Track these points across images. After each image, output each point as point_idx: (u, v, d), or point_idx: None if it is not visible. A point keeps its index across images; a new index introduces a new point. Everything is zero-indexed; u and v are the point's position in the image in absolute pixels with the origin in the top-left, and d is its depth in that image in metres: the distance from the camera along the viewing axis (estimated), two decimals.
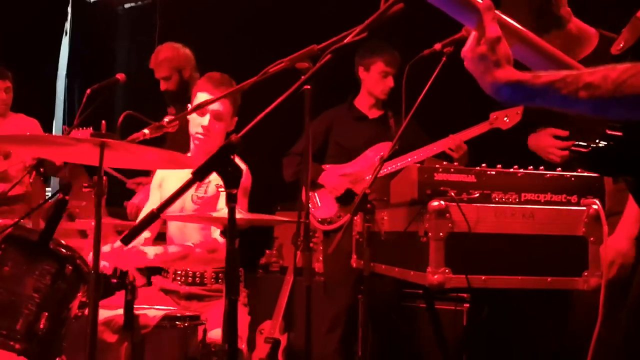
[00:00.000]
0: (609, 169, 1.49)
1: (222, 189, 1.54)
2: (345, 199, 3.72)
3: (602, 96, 1.18)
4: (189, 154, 2.96)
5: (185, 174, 2.82)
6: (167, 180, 2.94)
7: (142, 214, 2.97)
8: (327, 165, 3.82)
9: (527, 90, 1.24)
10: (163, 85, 4.18)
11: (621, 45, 1.67)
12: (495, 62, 1.26)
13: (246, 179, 2.91)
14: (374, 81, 3.78)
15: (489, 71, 1.27)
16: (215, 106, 2.77)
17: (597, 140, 1.37)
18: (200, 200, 2.82)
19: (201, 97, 2.82)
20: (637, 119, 1.21)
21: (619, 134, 1.34)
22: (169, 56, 4.12)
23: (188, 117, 2.87)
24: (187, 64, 4.16)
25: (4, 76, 4.36)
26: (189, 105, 2.93)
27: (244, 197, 2.90)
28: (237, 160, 2.88)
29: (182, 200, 2.80)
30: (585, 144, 1.37)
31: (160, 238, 3.06)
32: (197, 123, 2.83)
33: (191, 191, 2.81)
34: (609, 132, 1.36)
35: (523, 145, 2.84)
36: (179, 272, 2.83)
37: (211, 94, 2.78)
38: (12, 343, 2.02)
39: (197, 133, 2.84)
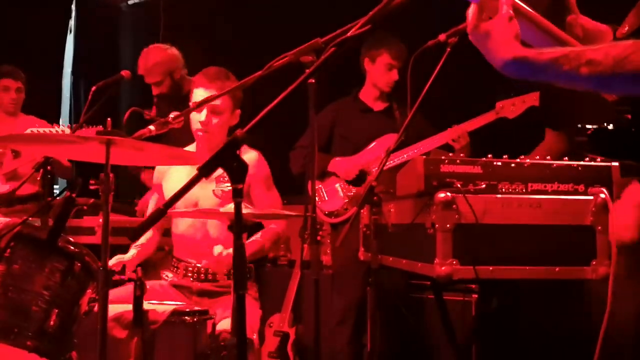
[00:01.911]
0: (613, 152, 1.49)
1: (228, 185, 1.54)
2: (358, 181, 3.71)
3: (603, 72, 1.20)
4: (189, 147, 2.96)
5: (187, 170, 2.84)
6: (168, 177, 2.94)
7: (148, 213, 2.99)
8: (334, 158, 3.82)
9: (532, 66, 1.27)
10: (155, 90, 4.15)
11: (626, 28, 1.66)
12: (503, 40, 1.29)
13: (263, 167, 2.92)
14: (379, 73, 3.77)
15: (497, 47, 1.30)
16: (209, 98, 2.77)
17: (605, 123, 1.37)
18: (224, 194, 2.82)
19: (197, 92, 2.83)
20: (638, 94, 1.23)
21: (627, 117, 1.34)
22: (159, 60, 4.09)
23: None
24: (177, 65, 4.14)
25: (17, 77, 4.40)
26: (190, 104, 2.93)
27: (271, 186, 2.93)
28: (247, 148, 2.91)
29: (194, 197, 2.80)
30: (587, 127, 1.37)
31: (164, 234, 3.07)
32: (196, 119, 2.84)
33: (210, 186, 2.81)
34: (618, 115, 1.36)
35: (529, 135, 2.83)
36: (190, 269, 2.83)
37: (206, 88, 2.80)
38: (23, 340, 2.04)
39: (197, 130, 2.85)
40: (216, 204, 2.77)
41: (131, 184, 4.31)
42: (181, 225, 2.90)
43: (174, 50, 4.17)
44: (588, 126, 1.38)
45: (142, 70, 4.15)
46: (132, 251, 2.81)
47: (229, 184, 2.80)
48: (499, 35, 1.30)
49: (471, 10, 1.35)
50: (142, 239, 2.87)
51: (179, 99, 4.08)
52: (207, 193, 2.82)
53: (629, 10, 1.72)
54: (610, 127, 1.37)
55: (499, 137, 2.69)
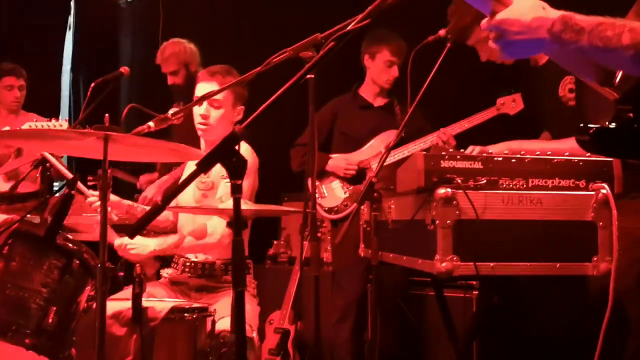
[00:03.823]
0: (616, 151, 1.48)
1: (227, 181, 1.53)
2: (357, 179, 3.70)
3: None
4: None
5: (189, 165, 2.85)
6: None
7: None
8: (334, 155, 3.81)
9: (576, 26, 1.28)
10: (170, 80, 4.24)
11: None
12: (536, 8, 1.31)
13: (247, 156, 2.91)
14: (379, 70, 3.76)
15: (535, 13, 1.30)
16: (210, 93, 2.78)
17: (607, 122, 1.36)
18: (203, 185, 2.83)
19: (199, 87, 2.85)
20: None
21: (629, 115, 1.33)
22: (176, 51, 4.20)
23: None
24: (193, 59, 4.24)
25: (19, 74, 4.42)
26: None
27: (247, 174, 2.90)
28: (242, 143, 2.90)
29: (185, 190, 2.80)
30: (589, 126, 1.36)
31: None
32: (197, 113, 2.86)
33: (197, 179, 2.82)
34: (618, 113, 1.35)
35: (530, 131, 2.82)
36: (188, 264, 2.83)
37: (207, 81, 2.81)
38: (21, 338, 2.03)
39: (198, 123, 2.86)
40: (201, 196, 2.79)
41: (130, 182, 4.31)
42: (180, 221, 2.91)
43: (191, 46, 4.26)
44: (590, 125, 1.37)
45: (158, 60, 4.24)
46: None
47: (208, 176, 2.81)
48: (528, 8, 1.30)
49: (485, 21, 1.35)
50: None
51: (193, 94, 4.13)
52: (191, 186, 2.82)
53: (629, 9, 1.72)
54: (613, 126, 1.35)
55: (500, 133, 2.68)
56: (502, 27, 1.32)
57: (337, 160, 3.74)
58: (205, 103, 2.81)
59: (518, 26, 1.30)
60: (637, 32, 1.22)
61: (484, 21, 1.36)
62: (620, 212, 1.95)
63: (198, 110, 2.85)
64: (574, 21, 1.29)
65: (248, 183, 2.87)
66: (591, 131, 1.36)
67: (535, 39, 1.31)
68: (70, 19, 6.06)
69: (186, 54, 4.20)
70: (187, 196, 2.84)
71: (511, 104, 3.20)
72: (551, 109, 2.59)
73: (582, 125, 1.37)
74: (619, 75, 1.39)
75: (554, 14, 1.31)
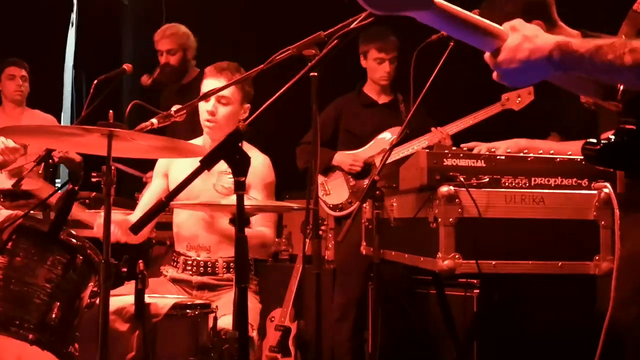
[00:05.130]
0: (621, 164, 1.48)
1: (231, 177, 1.53)
2: (363, 174, 3.71)
3: None
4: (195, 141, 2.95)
5: (193, 162, 2.82)
6: (174, 168, 2.93)
7: (142, 200, 2.98)
8: (338, 152, 3.82)
9: (574, 53, 1.28)
10: (164, 59, 4.21)
11: (622, 38, 1.66)
12: (530, 39, 1.30)
13: (269, 173, 2.92)
14: (372, 68, 3.81)
15: (530, 46, 1.29)
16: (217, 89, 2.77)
17: (610, 137, 1.36)
18: (226, 190, 2.81)
19: (206, 84, 2.84)
20: None
21: (632, 127, 1.33)
22: (178, 32, 4.21)
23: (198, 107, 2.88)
24: (192, 46, 4.24)
25: (21, 65, 4.50)
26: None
27: (271, 194, 2.91)
28: (257, 151, 2.91)
29: (196, 190, 2.80)
30: (595, 141, 1.37)
31: (165, 227, 3.06)
32: (204, 110, 2.84)
33: (211, 180, 2.81)
34: (622, 126, 1.36)
35: (535, 127, 2.83)
36: (190, 262, 2.83)
37: (215, 78, 2.80)
38: (25, 333, 2.04)
39: (205, 120, 2.84)
40: (218, 199, 2.77)
41: (133, 178, 4.31)
42: (181, 219, 2.90)
43: (192, 35, 4.27)
44: (596, 140, 1.37)
45: (157, 36, 4.22)
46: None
47: (230, 177, 2.78)
48: (524, 42, 1.30)
49: (487, 58, 1.36)
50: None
51: (181, 82, 4.14)
52: (208, 187, 2.81)
53: (622, 20, 1.72)
54: (616, 139, 1.36)
55: (505, 129, 2.69)
56: (503, 68, 1.34)
57: (344, 156, 3.76)
58: (212, 99, 2.80)
59: (517, 62, 1.32)
60: (638, 52, 1.23)
61: (487, 57, 1.37)
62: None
63: (205, 107, 2.83)
64: (571, 48, 1.28)
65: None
66: (598, 147, 1.36)
67: (538, 70, 1.32)
68: (73, 16, 6.07)
69: (187, 38, 4.21)
70: (204, 197, 2.83)
71: (516, 99, 3.21)
72: (572, 112, 2.59)
73: (589, 140, 1.38)
74: (621, 87, 1.39)
75: (548, 40, 1.31)
